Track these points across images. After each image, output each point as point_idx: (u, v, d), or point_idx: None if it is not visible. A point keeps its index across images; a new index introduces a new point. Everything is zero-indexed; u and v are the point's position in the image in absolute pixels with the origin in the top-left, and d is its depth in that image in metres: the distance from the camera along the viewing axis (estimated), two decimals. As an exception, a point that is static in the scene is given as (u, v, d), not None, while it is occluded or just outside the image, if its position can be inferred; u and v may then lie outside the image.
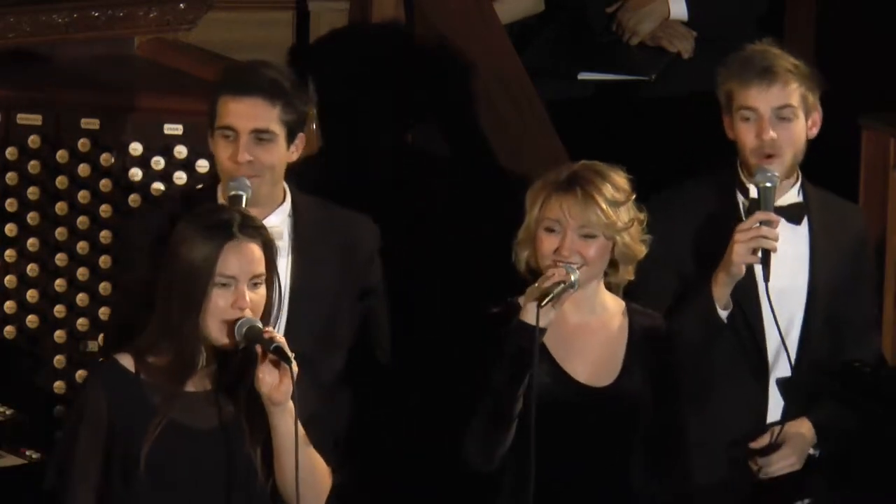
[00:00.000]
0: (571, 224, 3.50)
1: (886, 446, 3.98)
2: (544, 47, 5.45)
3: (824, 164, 5.17)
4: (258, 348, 3.26)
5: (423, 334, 4.90)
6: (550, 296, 3.43)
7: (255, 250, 3.30)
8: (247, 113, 3.74)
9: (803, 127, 3.91)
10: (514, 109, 4.95)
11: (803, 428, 3.87)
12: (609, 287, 3.66)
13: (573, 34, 5.41)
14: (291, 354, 3.25)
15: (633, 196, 3.58)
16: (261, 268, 3.31)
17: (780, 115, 3.86)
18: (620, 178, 3.57)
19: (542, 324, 3.42)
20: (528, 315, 3.46)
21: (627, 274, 3.61)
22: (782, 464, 3.85)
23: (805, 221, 3.96)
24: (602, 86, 5.31)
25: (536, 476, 3.44)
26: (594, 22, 5.36)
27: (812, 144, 5.31)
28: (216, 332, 3.27)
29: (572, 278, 3.47)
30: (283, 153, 3.81)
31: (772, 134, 3.84)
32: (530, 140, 4.87)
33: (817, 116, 3.96)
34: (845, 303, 3.97)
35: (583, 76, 5.34)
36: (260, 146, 3.75)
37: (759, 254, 3.74)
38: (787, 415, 3.89)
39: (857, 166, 4.61)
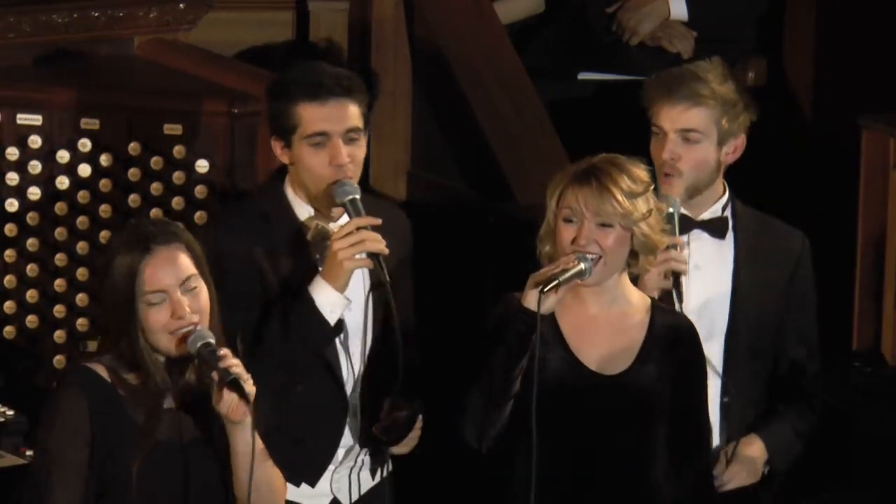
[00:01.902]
0: (588, 214, 3.51)
1: (879, 445, 3.99)
2: (544, 47, 5.45)
3: (824, 165, 5.19)
4: (214, 374, 3.21)
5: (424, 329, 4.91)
6: (554, 282, 3.44)
7: (177, 255, 3.23)
8: (336, 115, 3.71)
9: (713, 151, 3.89)
10: (514, 109, 4.95)
11: (755, 447, 3.88)
12: (632, 278, 3.67)
13: (573, 34, 5.41)
14: (247, 377, 3.20)
15: (652, 187, 3.59)
16: (189, 269, 3.24)
17: (684, 136, 3.86)
18: (639, 170, 3.58)
19: (542, 310, 3.43)
20: (530, 300, 3.47)
21: (648, 264, 3.62)
22: (736, 480, 3.86)
23: (730, 236, 3.96)
24: (602, 86, 5.32)
25: (546, 461, 3.45)
26: (594, 22, 5.36)
27: (812, 144, 5.34)
28: (168, 347, 3.20)
29: (581, 266, 3.48)
30: (365, 150, 3.81)
31: (670, 154, 3.85)
32: (530, 140, 4.87)
33: (738, 143, 3.93)
34: (780, 325, 3.96)
35: (583, 76, 5.34)
36: (352, 145, 3.74)
37: (671, 278, 3.75)
38: (725, 430, 3.91)
39: (857, 166, 4.60)
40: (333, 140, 3.70)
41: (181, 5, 4.76)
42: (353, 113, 3.72)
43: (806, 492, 4.08)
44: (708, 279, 3.91)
